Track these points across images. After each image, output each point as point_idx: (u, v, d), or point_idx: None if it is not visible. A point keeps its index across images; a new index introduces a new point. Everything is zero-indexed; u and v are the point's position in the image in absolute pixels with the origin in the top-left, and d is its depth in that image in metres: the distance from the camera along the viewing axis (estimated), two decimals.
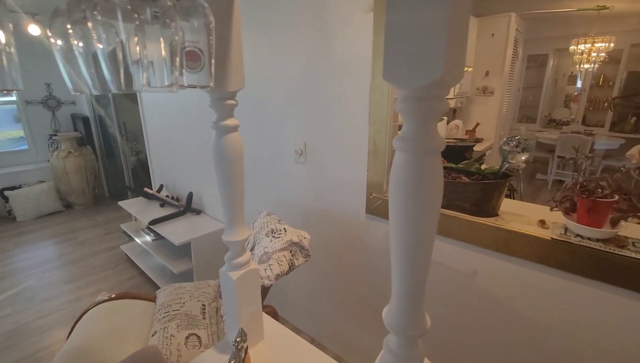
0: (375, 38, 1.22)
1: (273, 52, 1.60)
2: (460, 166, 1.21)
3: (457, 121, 3.12)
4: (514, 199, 4.09)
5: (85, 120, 4.22)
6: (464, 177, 1.17)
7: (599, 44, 4.37)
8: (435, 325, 1.35)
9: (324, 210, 1.62)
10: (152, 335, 1.17)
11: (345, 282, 1.63)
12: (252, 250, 1.30)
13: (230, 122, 0.58)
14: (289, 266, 1.18)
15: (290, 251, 1.20)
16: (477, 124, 3.31)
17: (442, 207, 1.17)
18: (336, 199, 1.55)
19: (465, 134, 3.26)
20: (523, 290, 1.09)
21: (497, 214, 1.14)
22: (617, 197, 0.94)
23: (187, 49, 0.45)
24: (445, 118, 3.07)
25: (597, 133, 5.21)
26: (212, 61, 0.47)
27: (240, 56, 0.55)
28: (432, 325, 0.43)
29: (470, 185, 1.10)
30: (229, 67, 0.54)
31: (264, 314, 0.80)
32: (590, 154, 4.65)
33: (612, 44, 4.25)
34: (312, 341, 1.90)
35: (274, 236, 1.22)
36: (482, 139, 3.42)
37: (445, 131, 3.09)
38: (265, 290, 1.17)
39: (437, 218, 0.38)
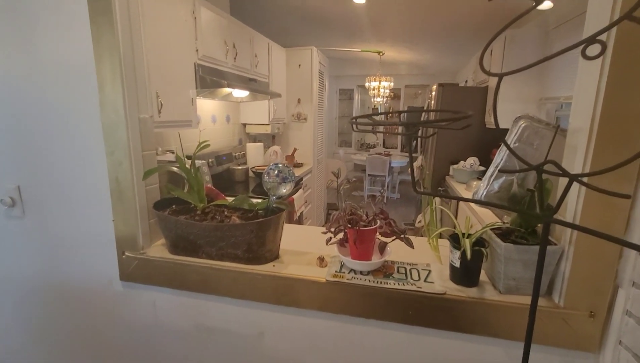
0: (94, 29, 0.87)
1: None
2: (232, 202, 0.98)
3: (275, 147, 3.09)
4: None
5: None
6: (235, 217, 0.94)
7: (385, 83, 5.44)
8: None
9: (62, 282, 1.09)
10: None
11: None
12: None
13: None
14: None
15: None
16: (295, 150, 3.40)
17: (212, 258, 0.87)
18: (78, 265, 1.06)
19: (286, 160, 3.27)
20: (311, 343, 0.92)
21: (277, 257, 0.95)
22: (379, 223, 0.89)
23: None
24: (262, 144, 2.98)
25: (392, 154, 6.47)
26: None
27: None
28: None
29: (238, 228, 0.87)
30: None
31: None
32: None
33: (392, 83, 5.37)
34: None
35: None
36: (302, 163, 3.53)
37: (264, 157, 3.00)
38: None
39: None
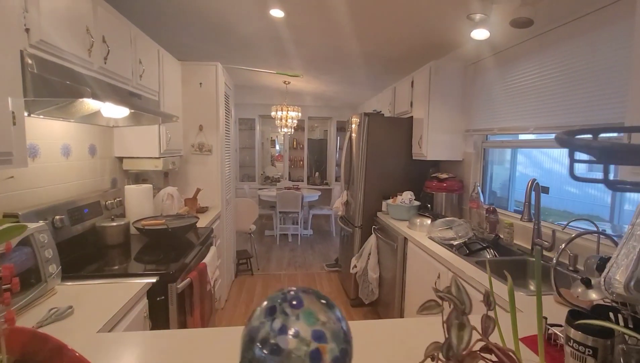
0: None
1: None
2: None
3: (170, 189, 2.25)
4: (250, 267, 3.69)
5: None
6: None
7: (292, 113, 5.12)
8: None
9: None
10: None
11: None
12: None
13: None
14: None
15: None
16: (198, 190, 2.60)
17: None
18: None
19: (185, 205, 2.45)
20: None
21: None
22: None
23: None
24: (151, 185, 2.12)
25: (302, 187, 6.11)
26: None
27: None
28: None
29: None
30: None
31: None
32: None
33: (300, 114, 5.08)
34: None
35: None
36: (207, 208, 2.74)
37: (154, 204, 2.13)
38: None
39: None
